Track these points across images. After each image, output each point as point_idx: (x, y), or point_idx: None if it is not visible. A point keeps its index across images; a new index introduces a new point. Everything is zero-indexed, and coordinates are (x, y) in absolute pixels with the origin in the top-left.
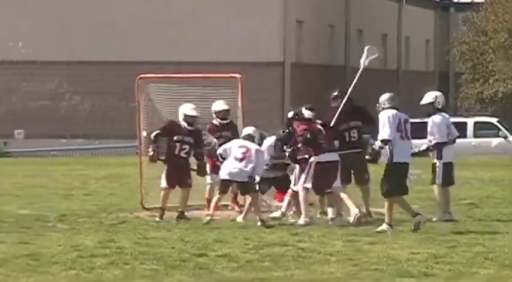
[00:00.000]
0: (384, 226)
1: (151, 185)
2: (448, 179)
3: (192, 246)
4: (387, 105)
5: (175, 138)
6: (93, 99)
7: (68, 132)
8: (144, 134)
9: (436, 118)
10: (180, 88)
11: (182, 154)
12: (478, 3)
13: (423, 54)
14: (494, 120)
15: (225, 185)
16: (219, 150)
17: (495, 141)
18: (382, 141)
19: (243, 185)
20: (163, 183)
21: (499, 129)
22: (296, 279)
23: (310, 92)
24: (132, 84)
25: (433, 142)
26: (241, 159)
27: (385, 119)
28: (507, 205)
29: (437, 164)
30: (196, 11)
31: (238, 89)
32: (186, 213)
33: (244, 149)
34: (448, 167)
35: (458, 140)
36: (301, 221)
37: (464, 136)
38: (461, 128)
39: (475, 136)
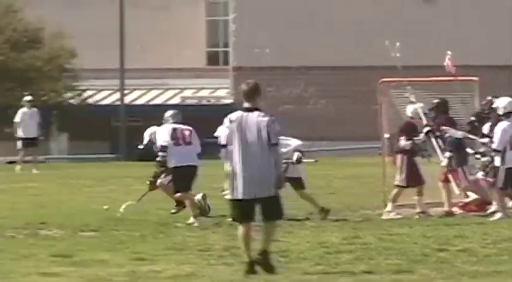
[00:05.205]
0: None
1: (392, 183)
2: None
3: (434, 242)
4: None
5: None
6: (337, 103)
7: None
8: (387, 135)
9: None
10: (418, 92)
11: None
12: None
13: None
14: None
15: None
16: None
17: None
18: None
19: None
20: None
21: None
22: None
23: None
24: (365, 87)
25: None
26: None
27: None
28: None
29: None
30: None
31: (475, 92)
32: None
33: None
34: None
35: None
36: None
37: None
38: None
39: None
